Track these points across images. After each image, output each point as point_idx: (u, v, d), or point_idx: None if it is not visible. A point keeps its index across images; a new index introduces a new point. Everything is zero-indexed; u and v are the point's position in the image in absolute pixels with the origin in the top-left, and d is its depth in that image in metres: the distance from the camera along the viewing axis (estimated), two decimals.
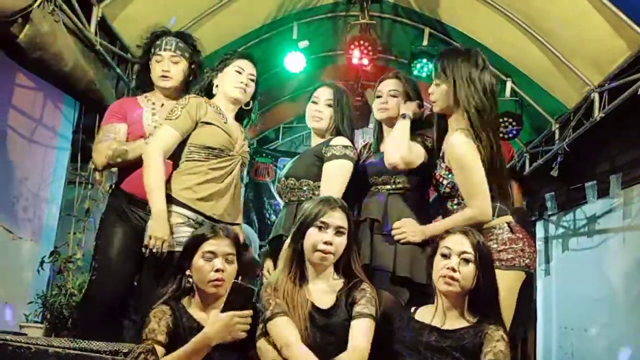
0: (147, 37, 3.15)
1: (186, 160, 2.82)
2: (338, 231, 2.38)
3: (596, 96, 4.83)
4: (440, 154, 2.69)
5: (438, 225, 2.61)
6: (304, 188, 2.87)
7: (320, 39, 6.16)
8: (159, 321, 2.22)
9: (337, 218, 2.38)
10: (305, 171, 2.91)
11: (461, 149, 2.50)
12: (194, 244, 2.36)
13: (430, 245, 2.53)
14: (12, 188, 4.33)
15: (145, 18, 4.40)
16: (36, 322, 4.27)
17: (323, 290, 2.41)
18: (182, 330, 2.24)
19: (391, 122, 2.91)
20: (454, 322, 2.31)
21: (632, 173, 5.05)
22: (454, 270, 2.26)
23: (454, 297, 2.31)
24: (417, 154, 2.75)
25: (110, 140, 2.96)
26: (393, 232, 2.67)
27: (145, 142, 2.90)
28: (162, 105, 3.06)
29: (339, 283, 2.43)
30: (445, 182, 2.62)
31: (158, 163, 2.70)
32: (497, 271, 2.41)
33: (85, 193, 4.78)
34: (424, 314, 2.37)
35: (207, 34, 4.71)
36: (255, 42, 5.76)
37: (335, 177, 2.80)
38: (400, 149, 2.70)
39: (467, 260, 2.28)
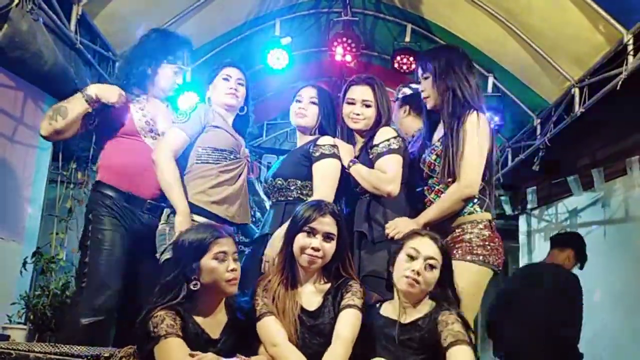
0: (166, 35, 3.11)
1: (196, 163, 2.85)
2: (327, 237, 2.39)
3: (577, 91, 4.88)
4: (432, 142, 2.74)
5: (428, 211, 2.64)
6: (292, 188, 2.86)
7: (303, 36, 6.15)
8: (174, 319, 2.15)
9: (326, 224, 2.39)
10: (292, 171, 2.89)
11: (481, 124, 2.58)
12: (201, 246, 2.26)
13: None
14: None
15: (126, 15, 4.38)
16: (19, 323, 4.24)
17: (311, 292, 2.43)
18: (189, 335, 2.18)
19: (363, 132, 2.94)
20: (413, 313, 2.34)
21: (613, 167, 5.12)
22: (418, 274, 2.29)
23: (414, 297, 2.35)
24: (396, 174, 2.76)
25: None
26: (387, 233, 2.68)
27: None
28: (147, 101, 3.04)
29: (327, 285, 2.45)
30: (438, 168, 2.65)
31: (170, 162, 2.75)
32: (471, 265, 2.51)
33: (67, 192, 4.74)
34: (387, 309, 2.41)
35: (189, 32, 4.66)
36: (237, 39, 5.75)
37: (327, 176, 2.80)
38: (383, 187, 2.72)
39: (432, 266, 2.31)
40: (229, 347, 2.25)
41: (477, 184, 2.55)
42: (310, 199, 2.72)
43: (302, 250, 2.37)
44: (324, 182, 2.79)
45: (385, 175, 2.73)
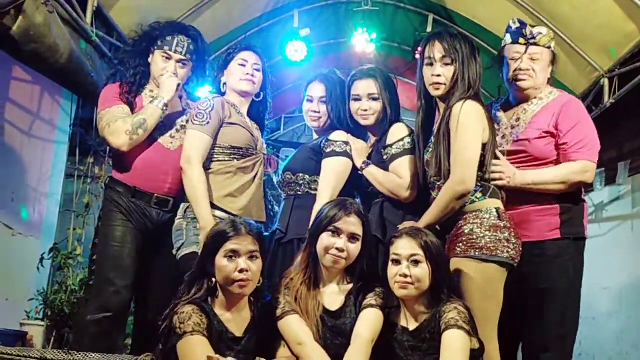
0: (156, 24, 2.97)
1: (213, 161, 2.78)
2: (352, 237, 2.32)
3: (606, 82, 4.75)
4: (428, 137, 2.61)
5: (427, 214, 2.49)
6: (300, 182, 2.81)
7: (322, 27, 6.06)
8: (201, 317, 2.11)
9: (352, 224, 2.32)
10: (301, 165, 2.84)
11: (469, 113, 2.40)
12: (215, 243, 2.24)
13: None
14: (11, 183, 4.27)
15: (143, 8, 4.31)
16: (37, 319, 4.23)
17: (334, 292, 2.38)
18: (213, 333, 2.14)
19: (374, 127, 2.85)
20: (418, 317, 2.29)
21: None
22: (405, 275, 2.23)
23: (413, 299, 2.28)
24: (413, 178, 2.68)
25: (120, 119, 2.76)
26: None
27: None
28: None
29: (350, 285, 2.39)
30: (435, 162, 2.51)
31: (200, 172, 2.67)
32: (474, 262, 2.34)
33: (84, 187, 4.72)
34: (396, 316, 2.35)
35: (206, 24, 4.63)
36: (255, 31, 5.67)
37: (333, 175, 2.74)
38: (401, 193, 2.67)
39: (416, 262, 2.24)
40: (252, 346, 2.23)
41: (470, 179, 2.37)
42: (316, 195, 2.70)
43: (327, 250, 2.31)
44: (331, 180, 2.73)
45: (402, 181, 2.67)
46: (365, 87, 2.82)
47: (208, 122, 2.72)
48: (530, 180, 2.58)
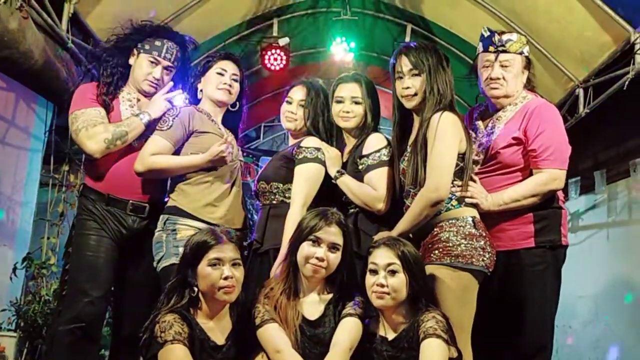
0: (144, 24, 2.93)
1: (189, 172, 2.76)
2: (332, 247, 2.34)
3: (581, 92, 4.81)
4: (404, 147, 2.62)
5: (401, 222, 2.50)
6: (274, 191, 2.80)
7: (301, 36, 6.09)
8: (182, 326, 2.13)
9: (332, 234, 2.35)
10: (274, 173, 2.83)
11: (447, 123, 2.43)
12: (197, 253, 2.26)
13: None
14: None
15: (120, 14, 4.25)
16: (9, 330, 4.15)
17: (314, 302, 2.39)
18: (195, 341, 2.16)
19: (353, 131, 2.84)
20: (397, 327, 2.31)
21: (616, 169, 5.03)
22: (382, 285, 2.26)
23: (391, 309, 2.30)
24: (387, 190, 2.68)
25: (100, 123, 2.71)
26: None
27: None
28: (138, 100, 2.91)
29: (330, 295, 2.40)
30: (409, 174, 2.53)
31: (152, 157, 2.67)
32: (449, 270, 2.35)
33: (59, 196, 4.66)
34: (375, 325, 2.37)
35: (185, 31, 4.56)
36: (234, 39, 5.68)
37: (305, 181, 2.72)
38: (374, 205, 2.66)
39: (393, 272, 2.27)
40: (233, 354, 2.26)
41: (444, 187, 2.39)
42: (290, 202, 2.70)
43: (307, 259, 2.33)
44: (303, 186, 2.72)
45: (377, 193, 2.67)
46: (350, 90, 2.84)
47: (169, 128, 2.72)
48: (502, 202, 2.60)
